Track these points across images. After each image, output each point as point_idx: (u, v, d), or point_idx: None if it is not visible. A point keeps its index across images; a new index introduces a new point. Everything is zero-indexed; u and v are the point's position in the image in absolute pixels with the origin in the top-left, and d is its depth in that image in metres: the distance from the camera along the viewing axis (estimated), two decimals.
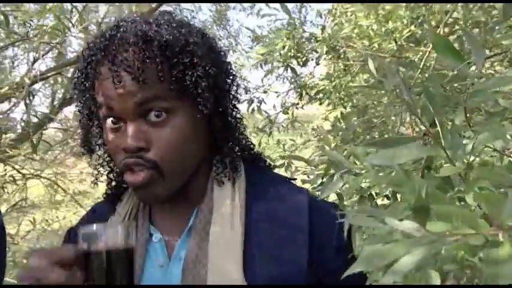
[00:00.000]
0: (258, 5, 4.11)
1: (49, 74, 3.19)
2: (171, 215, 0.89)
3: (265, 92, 2.28)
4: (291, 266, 0.80)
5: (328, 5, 3.47)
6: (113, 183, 0.94)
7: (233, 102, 0.90)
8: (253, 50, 2.33)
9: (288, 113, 2.46)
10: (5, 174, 3.52)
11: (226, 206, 0.85)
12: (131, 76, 0.76)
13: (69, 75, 4.21)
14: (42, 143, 4.11)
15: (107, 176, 0.93)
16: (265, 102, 2.39)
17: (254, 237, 0.82)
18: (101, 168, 0.93)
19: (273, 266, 0.79)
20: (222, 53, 0.89)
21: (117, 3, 3.62)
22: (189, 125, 0.82)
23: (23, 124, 4.14)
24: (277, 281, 0.78)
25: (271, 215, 0.84)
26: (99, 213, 0.97)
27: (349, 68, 2.33)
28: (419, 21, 2.10)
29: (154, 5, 3.57)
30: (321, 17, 3.30)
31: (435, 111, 0.53)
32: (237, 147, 0.90)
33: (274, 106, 2.51)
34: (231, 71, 0.90)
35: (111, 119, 0.80)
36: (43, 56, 2.79)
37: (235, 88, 0.90)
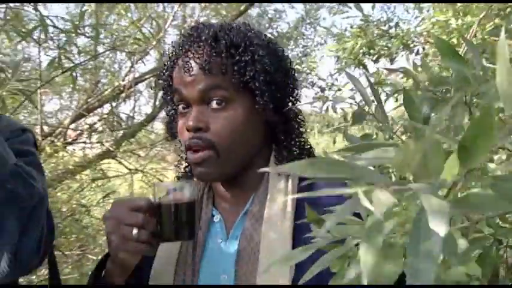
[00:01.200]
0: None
1: (147, 76, 3.49)
2: (230, 200, 1.01)
3: (339, 89, 2.31)
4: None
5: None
6: (184, 166, 1.06)
7: (292, 100, 1.00)
8: (328, 46, 2.38)
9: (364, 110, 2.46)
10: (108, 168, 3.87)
11: (281, 195, 0.96)
12: (199, 66, 0.90)
13: None
14: (146, 139, 4.47)
15: (181, 159, 1.07)
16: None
17: (303, 224, 0.88)
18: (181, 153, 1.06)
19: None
20: (284, 57, 1.00)
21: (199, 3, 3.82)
22: (246, 114, 0.93)
23: (129, 123, 4.53)
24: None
25: (319, 204, 0.93)
26: None
27: (425, 61, 2.27)
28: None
29: (242, 7, 3.73)
30: (408, 12, 3.23)
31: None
32: (294, 145, 0.99)
33: (351, 104, 2.52)
34: (291, 72, 1.02)
35: (182, 104, 0.94)
36: (140, 60, 3.08)
37: (294, 89, 1.00)
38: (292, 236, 0.91)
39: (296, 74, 1.03)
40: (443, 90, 0.71)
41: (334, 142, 2.46)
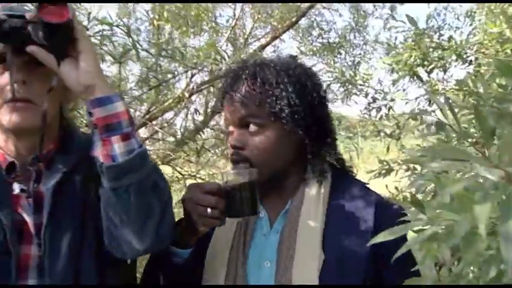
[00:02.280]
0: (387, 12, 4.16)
1: (203, 87, 3.68)
2: (274, 201, 1.23)
3: (392, 100, 2.39)
4: (358, 246, 1.09)
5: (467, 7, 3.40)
6: None
7: (322, 119, 1.22)
8: (381, 60, 2.47)
9: (416, 119, 2.53)
10: (173, 175, 4.09)
11: (313, 201, 1.18)
12: (239, 99, 1.16)
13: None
14: (199, 146, 4.65)
15: None
16: (393, 110, 2.51)
17: (331, 224, 1.14)
18: None
19: (344, 244, 1.10)
20: (315, 90, 1.22)
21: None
22: (276, 137, 1.17)
23: (182, 130, 4.74)
24: (346, 256, 1.09)
25: (346, 209, 1.16)
26: None
27: (481, 75, 2.32)
28: None
29: (294, 19, 3.87)
30: (459, 20, 3.27)
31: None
32: (327, 157, 1.21)
33: (403, 112, 2.60)
34: (320, 104, 1.22)
35: (231, 126, 1.20)
36: (198, 71, 3.28)
37: (323, 109, 1.23)
38: (323, 233, 1.13)
39: (324, 94, 1.25)
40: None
41: (388, 149, 2.54)
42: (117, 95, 1.03)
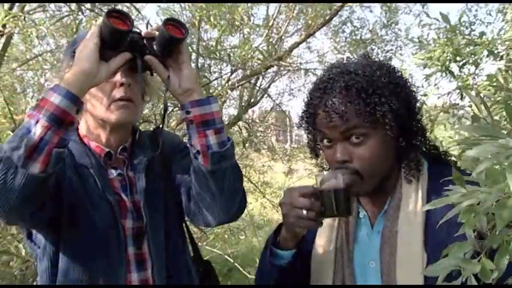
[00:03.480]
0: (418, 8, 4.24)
1: (242, 82, 3.87)
2: (372, 201, 1.25)
3: (425, 95, 2.51)
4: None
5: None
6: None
7: (416, 121, 1.20)
8: (415, 56, 2.59)
9: (448, 112, 2.65)
10: None
11: (412, 198, 1.16)
12: (338, 114, 1.13)
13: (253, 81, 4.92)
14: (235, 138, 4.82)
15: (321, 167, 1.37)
16: (426, 104, 2.64)
17: (432, 220, 1.10)
18: (324, 165, 1.36)
19: (446, 242, 1.01)
20: (402, 84, 1.20)
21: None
22: (380, 144, 1.15)
23: None
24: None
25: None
26: None
27: None
28: None
29: (327, 17, 4.00)
30: (490, 15, 3.34)
31: None
32: (420, 153, 1.19)
33: (435, 106, 2.72)
34: (411, 97, 1.20)
35: (326, 140, 1.19)
36: (238, 69, 3.47)
37: (415, 108, 1.20)
38: (424, 231, 1.11)
39: (413, 89, 1.23)
40: None
41: None
42: (214, 97, 1.27)
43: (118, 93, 1.27)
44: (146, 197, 1.33)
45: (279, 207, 1.20)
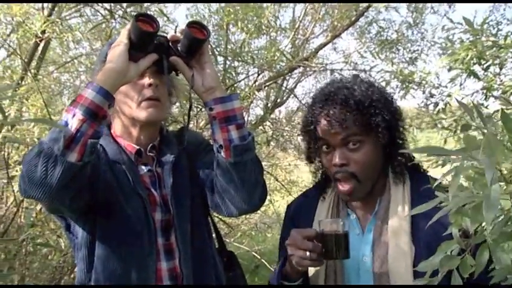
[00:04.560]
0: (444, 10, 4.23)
1: (268, 83, 3.96)
2: (363, 204, 1.40)
3: (449, 95, 2.56)
4: (442, 237, 1.20)
5: None
6: (321, 178, 1.50)
7: (400, 133, 1.37)
8: (440, 59, 2.62)
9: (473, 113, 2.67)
10: None
11: (399, 199, 1.32)
12: (338, 123, 1.29)
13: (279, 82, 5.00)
14: (260, 139, 4.92)
15: (320, 175, 1.50)
16: (450, 105, 2.67)
17: (417, 219, 1.24)
18: (318, 171, 1.50)
19: (431, 234, 1.14)
20: (391, 99, 1.37)
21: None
22: (373, 149, 1.31)
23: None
24: (432, 247, 1.15)
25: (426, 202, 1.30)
26: (310, 197, 1.53)
27: None
28: None
29: (353, 18, 4.04)
30: None
31: None
32: (404, 160, 1.35)
33: (459, 106, 2.75)
34: (398, 111, 1.37)
35: (325, 146, 1.35)
36: (264, 70, 3.56)
37: (401, 123, 1.37)
38: (411, 228, 1.26)
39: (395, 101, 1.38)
40: None
41: (445, 141, 2.71)
42: (236, 94, 1.37)
43: (147, 93, 1.38)
44: (173, 192, 1.44)
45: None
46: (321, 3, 4.17)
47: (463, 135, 0.73)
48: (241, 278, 1.60)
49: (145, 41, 1.28)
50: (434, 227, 0.99)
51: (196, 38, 1.30)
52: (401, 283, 1.23)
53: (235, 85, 3.15)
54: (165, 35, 1.36)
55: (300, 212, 1.50)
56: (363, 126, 1.30)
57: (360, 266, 1.33)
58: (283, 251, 1.41)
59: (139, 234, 1.37)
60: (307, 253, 1.24)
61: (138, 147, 1.46)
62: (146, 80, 1.38)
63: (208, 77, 1.34)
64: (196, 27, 1.31)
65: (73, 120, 1.16)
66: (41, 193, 1.17)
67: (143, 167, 1.47)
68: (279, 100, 5.47)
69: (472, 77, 2.40)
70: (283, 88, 5.01)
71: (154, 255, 1.38)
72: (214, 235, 1.65)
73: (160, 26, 1.29)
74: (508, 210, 0.72)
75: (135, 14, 1.39)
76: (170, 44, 1.33)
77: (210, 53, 1.44)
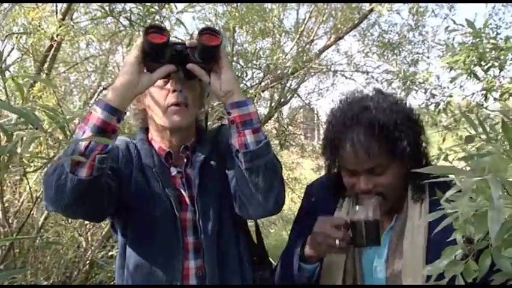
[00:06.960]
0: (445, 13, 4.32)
1: (273, 84, 4.05)
2: (382, 217, 1.32)
3: (450, 96, 2.64)
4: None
5: None
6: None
7: (424, 153, 1.34)
8: (441, 59, 2.71)
9: (473, 113, 2.76)
10: None
11: (416, 216, 1.31)
12: (363, 150, 1.27)
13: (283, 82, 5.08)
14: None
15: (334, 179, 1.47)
16: (451, 105, 2.76)
17: (434, 237, 1.16)
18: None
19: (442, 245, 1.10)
20: (415, 116, 1.35)
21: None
22: (399, 172, 1.30)
23: None
24: None
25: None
26: (327, 197, 1.51)
27: None
28: None
29: (356, 21, 4.12)
30: None
31: None
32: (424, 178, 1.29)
33: (459, 107, 2.84)
34: (423, 130, 1.34)
35: (349, 173, 1.33)
36: (269, 72, 3.65)
37: (425, 139, 1.34)
38: (427, 246, 1.24)
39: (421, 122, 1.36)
40: None
41: (444, 140, 2.80)
42: (251, 99, 1.39)
43: (171, 99, 1.43)
44: (199, 192, 1.48)
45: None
46: (325, 5, 4.25)
47: (471, 161, 0.73)
48: (267, 279, 1.58)
49: (157, 51, 1.32)
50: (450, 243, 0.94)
51: (209, 46, 1.32)
52: None
53: (241, 86, 3.25)
54: (183, 41, 1.39)
55: (317, 210, 1.48)
56: (388, 153, 1.28)
57: (375, 276, 1.35)
58: (299, 227, 1.47)
59: (167, 235, 1.44)
60: (337, 241, 1.24)
61: (168, 150, 1.51)
62: (170, 86, 1.44)
63: (226, 81, 1.34)
64: (209, 33, 1.32)
65: (83, 137, 1.22)
66: (56, 208, 1.26)
67: (174, 169, 1.53)
68: (282, 100, 5.56)
69: (471, 78, 2.48)
70: (287, 88, 5.10)
71: (181, 254, 1.44)
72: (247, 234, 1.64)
73: (177, 34, 1.33)
74: (510, 216, 0.72)
75: (145, 27, 1.42)
76: (188, 51, 1.36)
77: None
